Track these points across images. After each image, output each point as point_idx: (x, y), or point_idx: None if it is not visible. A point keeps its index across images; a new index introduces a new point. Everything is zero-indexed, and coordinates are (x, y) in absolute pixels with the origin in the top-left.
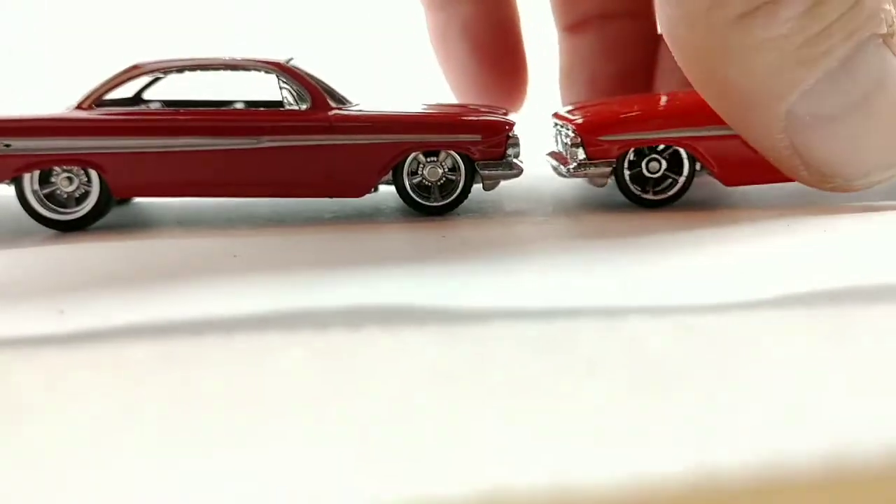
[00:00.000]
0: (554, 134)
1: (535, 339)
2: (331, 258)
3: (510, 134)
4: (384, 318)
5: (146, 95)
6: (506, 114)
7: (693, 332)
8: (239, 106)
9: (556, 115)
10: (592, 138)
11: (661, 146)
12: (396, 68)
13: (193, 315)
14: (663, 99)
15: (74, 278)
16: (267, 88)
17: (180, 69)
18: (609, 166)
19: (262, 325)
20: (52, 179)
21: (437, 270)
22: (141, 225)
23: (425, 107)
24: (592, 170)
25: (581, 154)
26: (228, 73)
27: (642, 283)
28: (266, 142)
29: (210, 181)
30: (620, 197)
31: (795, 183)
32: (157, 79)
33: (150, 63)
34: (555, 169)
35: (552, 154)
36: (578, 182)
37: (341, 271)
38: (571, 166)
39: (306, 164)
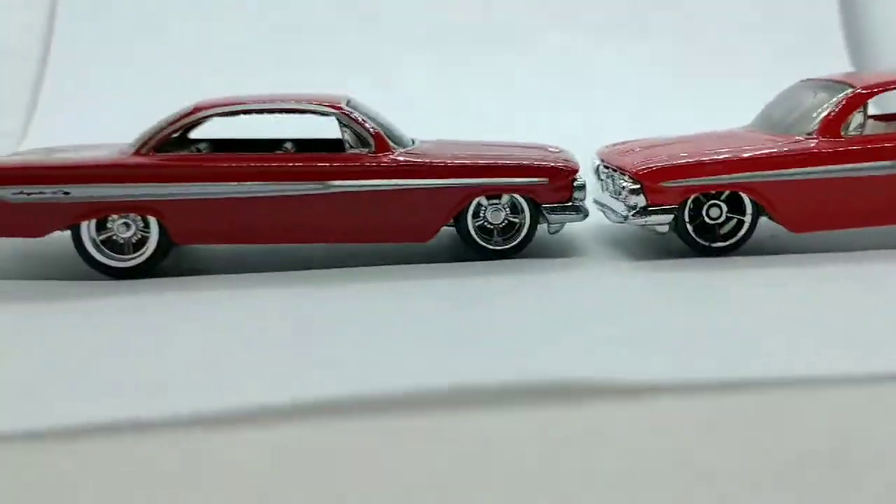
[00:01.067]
0: (601, 176)
1: None
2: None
3: (576, 178)
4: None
5: (195, 133)
6: (569, 157)
7: None
8: (288, 145)
9: (602, 159)
10: (653, 185)
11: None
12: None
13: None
14: (718, 140)
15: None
16: (321, 124)
17: (239, 112)
18: (671, 213)
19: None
20: (109, 225)
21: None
22: (195, 271)
23: (488, 146)
24: (653, 217)
25: (641, 201)
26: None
27: None
28: (333, 187)
29: (275, 228)
30: (676, 240)
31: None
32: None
33: (210, 106)
34: (607, 216)
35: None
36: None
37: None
38: (630, 213)
39: (373, 210)
